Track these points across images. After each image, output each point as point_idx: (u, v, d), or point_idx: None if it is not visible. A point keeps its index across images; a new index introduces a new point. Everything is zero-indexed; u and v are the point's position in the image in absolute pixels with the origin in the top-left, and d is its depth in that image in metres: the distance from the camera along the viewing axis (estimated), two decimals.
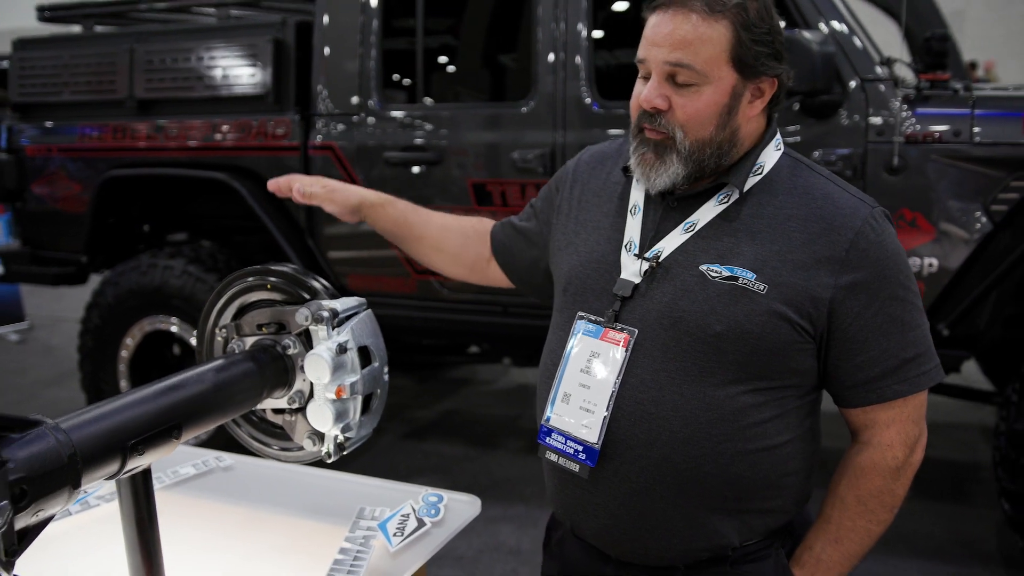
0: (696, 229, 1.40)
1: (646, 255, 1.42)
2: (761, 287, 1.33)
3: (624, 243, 1.46)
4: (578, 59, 3.45)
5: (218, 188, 4.15)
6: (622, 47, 3.86)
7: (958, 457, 4.39)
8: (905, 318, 1.38)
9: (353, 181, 3.85)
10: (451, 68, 4.64)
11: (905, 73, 3.41)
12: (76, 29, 4.92)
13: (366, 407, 1.63)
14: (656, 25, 1.37)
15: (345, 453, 1.67)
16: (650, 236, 1.44)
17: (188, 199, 4.64)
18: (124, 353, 4.23)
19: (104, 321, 4.24)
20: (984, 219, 2.98)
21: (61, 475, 1.22)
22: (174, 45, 4.23)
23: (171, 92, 4.23)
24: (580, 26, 3.44)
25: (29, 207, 4.73)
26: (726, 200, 1.41)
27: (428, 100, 4.07)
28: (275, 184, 1.78)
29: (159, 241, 4.80)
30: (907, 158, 3.03)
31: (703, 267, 1.37)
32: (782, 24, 2.79)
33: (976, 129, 2.98)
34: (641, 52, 1.41)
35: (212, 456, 2.08)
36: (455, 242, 1.79)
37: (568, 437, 1.43)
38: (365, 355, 1.60)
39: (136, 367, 4.26)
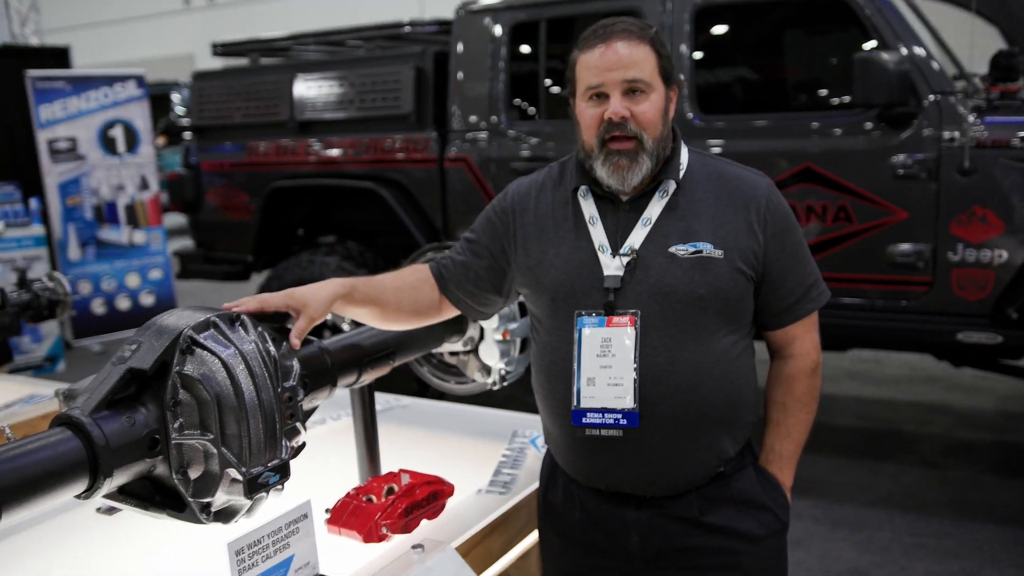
0: (652, 222, 1.69)
1: (622, 252, 1.68)
2: (719, 253, 1.65)
3: (597, 247, 1.70)
4: (681, 77, 3.94)
5: (365, 196, 4.81)
6: (720, 67, 4.31)
7: None
8: (803, 256, 1.75)
9: (483, 188, 4.45)
10: None
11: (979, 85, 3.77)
12: (244, 62, 5.69)
13: (522, 348, 2.19)
14: (603, 55, 1.64)
15: (505, 384, 2.23)
16: (616, 237, 1.70)
17: (337, 206, 5.32)
18: None
19: None
20: None
21: (325, 377, 1.82)
22: (329, 74, 4.92)
23: (326, 114, 4.92)
24: (683, 47, 3.93)
25: (203, 215, 5.52)
26: (666, 194, 1.70)
27: (548, 117, 4.62)
28: (243, 306, 1.61)
29: (311, 243, 5.48)
30: (977, 161, 3.41)
31: (671, 249, 1.66)
32: (869, 45, 3.21)
33: None
34: (594, 79, 1.65)
35: (393, 398, 2.68)
36: (409, 297, 1.84)
37: (605, 411, 1.64)
38: (524, 308, 2.14)
39: None
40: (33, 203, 7.07)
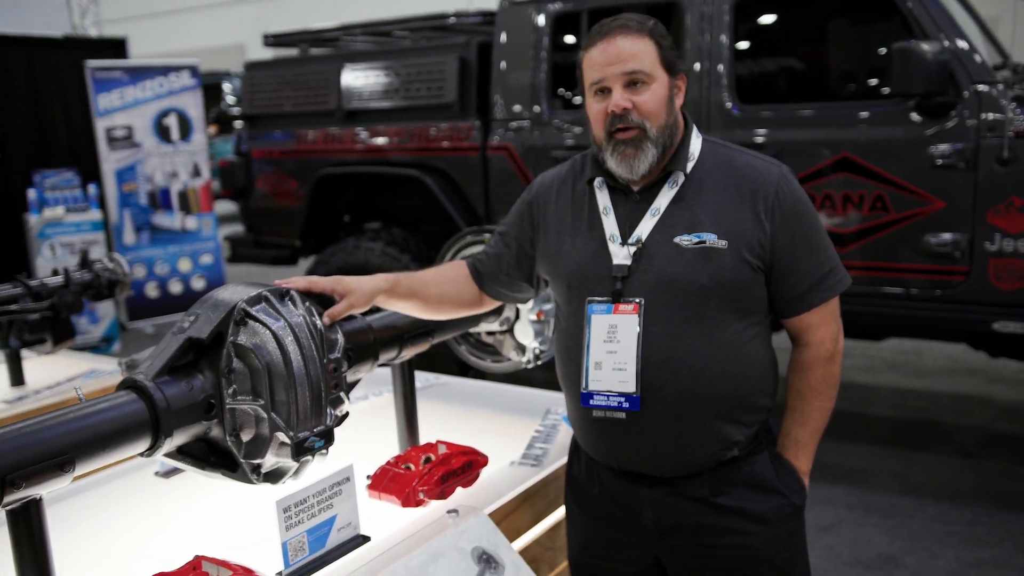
0: (660, 213, 1.75)
1: (630, 241, 1.75)
2: (723, 244, 1.69)
3: (608, 237, 1.78)
4: (720, 67, 3.99)
5: (409, 183, 4.93)
6: (759, 57, 4.34)
7: None
8: (817, 244, 1.76)
9: (524, 175, 4.54)
10: None
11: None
12: (294, 52, 5.85)
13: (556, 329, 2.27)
14: (604, 51, 1.71)
15: (539, 363, 2.32)
16: (626, 227, 1.77)
17: (383, 193, 5.45)
18: None
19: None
20: None
21: (367, 351, 1.93)
22: (376, 64, 5.05)
23: (372, 103, 5.05)
24: (723, 37, 3.98)
25: (253, 201, 5.69)
26: (675, 184, 1.75)
27: None
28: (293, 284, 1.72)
29: (357, 229, 5.63)
30: (1017, 151, 3.41)
31: (676, 239, 1.72)
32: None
33: None
34: (597, 75, 1.71)
35: (433, 376, 2.79)
36: (451, 291, 1.95)
37: (609, 394, 1.73)
38: None
39: None
40: (91, 189, 7.33)
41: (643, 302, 1.71)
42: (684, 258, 1.71)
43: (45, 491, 1.38)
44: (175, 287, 7.83)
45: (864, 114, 3.74)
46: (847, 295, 1.84)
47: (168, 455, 1.59)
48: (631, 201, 1.78)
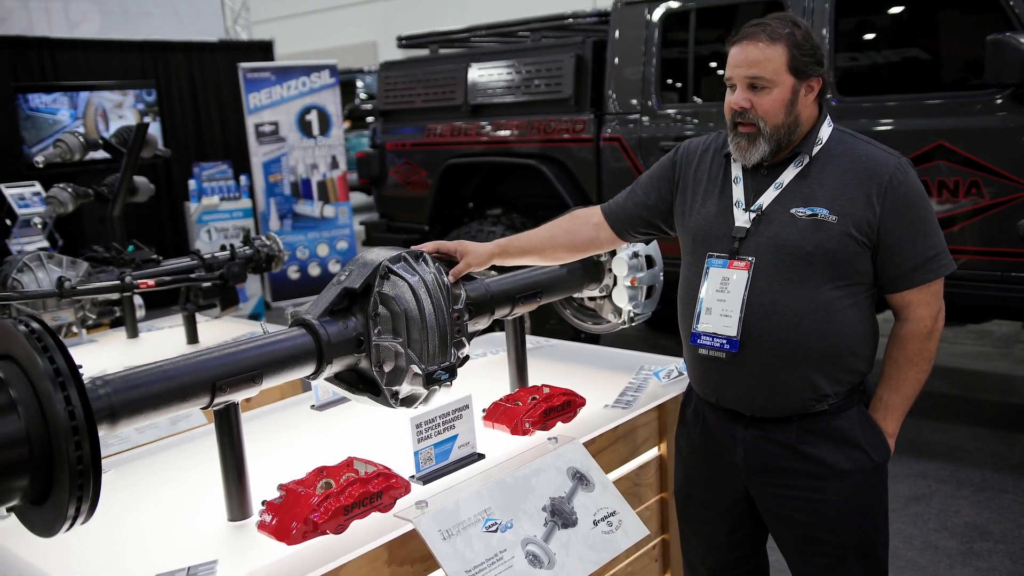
0: (783, 187, 1.99)
1: (752, 208, 2.00)
2: (833, 219, 1.91)
3: (734, 202, 2.04)
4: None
5: (529, 172, 5.32)
6: (857, 50, 4.50)
7: None
8: (925, 229, 1.94)
9: (635, 165, 4.85)
10: (719, 71, 5.49)
11: None
12: (425, 52, 6.33)
13: (649, 294, 2.61)
14: (736, 54, 1.96)
15: (633, 324, 2.66)
16: (751, 196, 2.02)
17: (504, 182, 5.87)
18: None
19: None
20: None
21: (485, 306, 2.31)
22: (500, 62, 5.46)
23: (496, 98, 5.46)
24: (824, 31, 4.18)
25: (386, 189, 6.21)
26: (800, 164, 1.99)
27: (697, 99, 4.96)
28: (425, 247, 2.14)
29: (480, 215, 6.06)
30: None
31: (792, 211, 1.95)
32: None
33: None
34: (728, 72, 1.98)
35: (543, 340, 3.16)
36: (563, 239, 2.30)
37: (714, 336, 2.01)
38: (650, 261, 2.56)
39: None
40: (243, 180, 8.06)
41: (754, 260, 1.97)
42: (796, 226, 1.94)
43: (240, 397, 1.82)
44: (314, 270, 8.50)
45: (959, 104, 3.88)
46: (945, 278, 2.03)
47: (328, 380, 2.02)
48: (759, 174, 2.03)
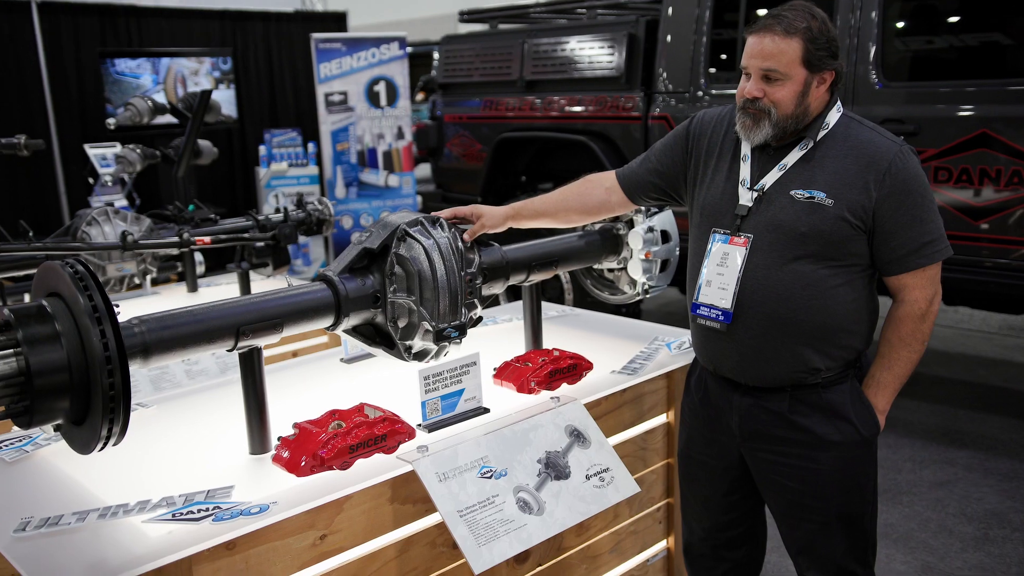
0: (786, 169, 2.07)
1: (755, 188, 2.10)
2: (830, 202, 1.99)
3: (740, 180, 2.13)
4: (869, 44, 4.18)
5: (579, 147, 5.43)
6: (904, 35, 4.46)
7: None
8: (922, 216, 2.01)
9: None
10: None
11: None
12: (484, 28, 6.46)
13: (663, 268, 2.72)
14: (752, 44, 2.04)
15: (648, 296, 2.77)
16: (756, 175, 2.11)
17: (555, 156, 5.98)
18: None
19: None
20: None
21: (500, 271, 2.45)
22: (554, 39, 5.56)
23: (550, 74, 5.57)
24: (873, 15, 4.17)
25: (443, 161, 6.39)
26: (804, 148, 2.06)
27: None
28: (442, 213, 2.31)
29: (531, 188, 6.19)
30: None
31: (792, 192, 2.04)
32: None
33: None
34: (744, 61, 2.06)
35: (567, 308, 3.30)
36: (576, 202, 2.44)
37: (712, 307, 2.13)
38: (665, 236, 2.67)
39: None
40: (311, 147, 8.34)
41: (752, 238, 2.08)
42: (794, 208, 2.03)
43: (263, 343, 2.01)
44: None
45: (1004, 91, 3.84)
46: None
47: (347, 332, 2.20)
48: (766, 154, 2.12)
